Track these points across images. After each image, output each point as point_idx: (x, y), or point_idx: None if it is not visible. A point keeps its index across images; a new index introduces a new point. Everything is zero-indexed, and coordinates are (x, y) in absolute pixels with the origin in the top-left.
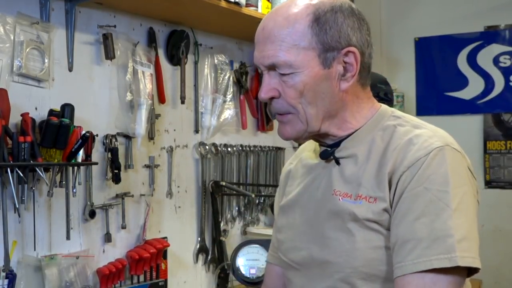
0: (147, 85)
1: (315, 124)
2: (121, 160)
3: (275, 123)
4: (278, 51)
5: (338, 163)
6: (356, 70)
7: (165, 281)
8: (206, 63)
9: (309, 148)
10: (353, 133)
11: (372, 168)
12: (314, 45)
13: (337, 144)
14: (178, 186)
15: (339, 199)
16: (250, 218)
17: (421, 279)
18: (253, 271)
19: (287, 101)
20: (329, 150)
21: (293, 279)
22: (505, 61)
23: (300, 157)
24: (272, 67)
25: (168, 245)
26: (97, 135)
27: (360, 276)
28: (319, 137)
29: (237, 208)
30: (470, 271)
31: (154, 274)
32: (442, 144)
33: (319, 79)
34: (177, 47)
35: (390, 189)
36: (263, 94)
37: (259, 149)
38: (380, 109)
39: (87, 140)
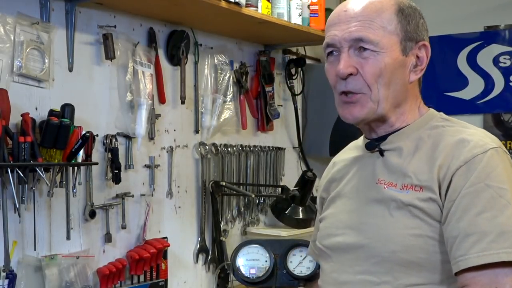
0: (147, 85)
1: (385, 106)
2: (121, 160)
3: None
4: (367, 28)
5: (382, 154)
6: (426, 64)
7: (165, 281)
8: (206, 63)
9: (342, 157)
10: (400, 129)
11: (419, 161)
12: (398, 31)
13: (383, 138)
14: (178, 186)
15: (384, 187)
16: (250, 218)
17: (492, 271)
18: (253, 271)
19: (365, 79)
20: (376, 142)
21: (324, 266)
22: (505, 61)
23: (335, 163)
24: (355, 44)
25: (168, 245)
26: (97, 135)
27: (398, 262)
28: (376, 123)
29: (237, 208)
30: None
31: (154, 274)
32: (496, 146)
33: (397, 64)
34: (177, 47)
35: (440, 182)
36: (344, 69)
37: (259, 149)
38: (429, 111)
39: (87, 140)
